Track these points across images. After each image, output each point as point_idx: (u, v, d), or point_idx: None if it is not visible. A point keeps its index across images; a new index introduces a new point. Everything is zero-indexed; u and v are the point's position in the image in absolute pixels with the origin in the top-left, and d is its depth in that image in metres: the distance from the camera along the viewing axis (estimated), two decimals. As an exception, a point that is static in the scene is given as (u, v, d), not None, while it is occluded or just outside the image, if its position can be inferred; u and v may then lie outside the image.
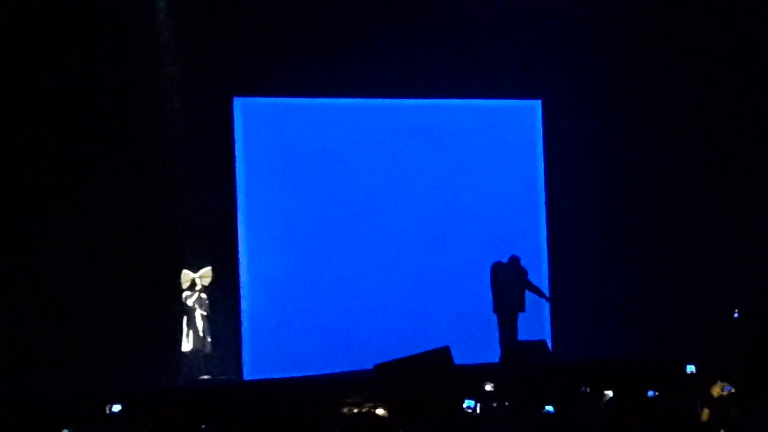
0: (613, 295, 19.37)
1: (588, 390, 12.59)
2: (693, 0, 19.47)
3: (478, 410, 11.66)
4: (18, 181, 17.23)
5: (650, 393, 12.14)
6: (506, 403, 12.14)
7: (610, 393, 12.10)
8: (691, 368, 13.12)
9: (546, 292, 19.22)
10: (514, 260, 18.14)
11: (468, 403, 11.73)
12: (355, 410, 9.55)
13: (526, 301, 18.12)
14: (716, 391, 10.93)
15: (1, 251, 17.10)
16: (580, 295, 19.57)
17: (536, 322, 18.90)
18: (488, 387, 12.82)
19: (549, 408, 11.61)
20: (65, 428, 11.36)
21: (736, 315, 17.33)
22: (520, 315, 18.08)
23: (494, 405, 11.99)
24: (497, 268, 18.08)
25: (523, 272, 18.16)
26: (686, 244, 19.59)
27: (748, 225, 19.21)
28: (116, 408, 12.60)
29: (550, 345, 18.26)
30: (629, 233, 19.78)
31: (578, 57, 19.54)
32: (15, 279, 17.11)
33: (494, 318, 18.05)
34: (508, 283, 18.01)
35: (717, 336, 17.13)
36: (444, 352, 14.13)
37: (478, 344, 16.45)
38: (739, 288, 18.42)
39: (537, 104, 20.37)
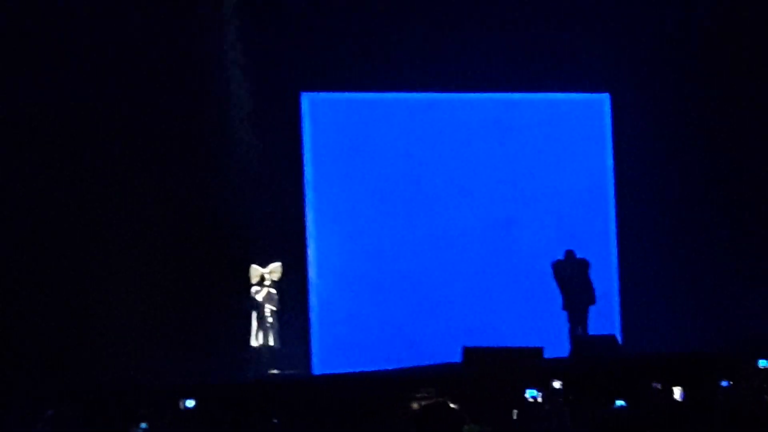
0: (684, 289, 19.22)
1: (659, 386, 12.57)
2: None
3: (540, 400, 11.69)
4: (95, 179, 17.47)
5: (723, 383, 12.16)
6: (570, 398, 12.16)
7: (679, 390, 12.09)
8: (764, 363, 13.08)
9: (616, 286, 19.20)
10: (570, 254, 18.11)
11: (531, 393, 11.77)
12: (426, 403, 9.64)
13: (596, 293, 18.09)
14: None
15: (79, 248, 17.29)
16: (650, 289, 19.43)
17: (606, 317, 18.85)
18: (556, 384, 12.81)
19: (620, 402, 11.64)
20: (141, 422, 11.54)
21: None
22: (591, 309, 18.03)
23: (560, 399, 12.04)
24: (558, 266, 18.07)
25: (584, 263, 18.11)
26: (759, 237, 19.40)
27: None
28: (189, 403, 12.79)
29: (620, 339, 18.22)
30: (700, 227, 19.62)
31: (647, 51, 19.43)
32: (90, 275, 17.36)
33: (564, 314, 18.05)
34: (571, 278, 17.98)
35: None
36: (537, 351, 14.28)
37: (547, 339, 16.35)
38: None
39: (605, 98, 20.28)
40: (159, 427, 11.78)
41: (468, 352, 14.20)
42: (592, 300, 18.04)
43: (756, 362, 13.06)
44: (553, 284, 18.10)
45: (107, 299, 17.38)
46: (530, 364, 13.88)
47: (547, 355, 15.16)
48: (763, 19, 19.22)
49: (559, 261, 18.14)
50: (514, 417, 11.85)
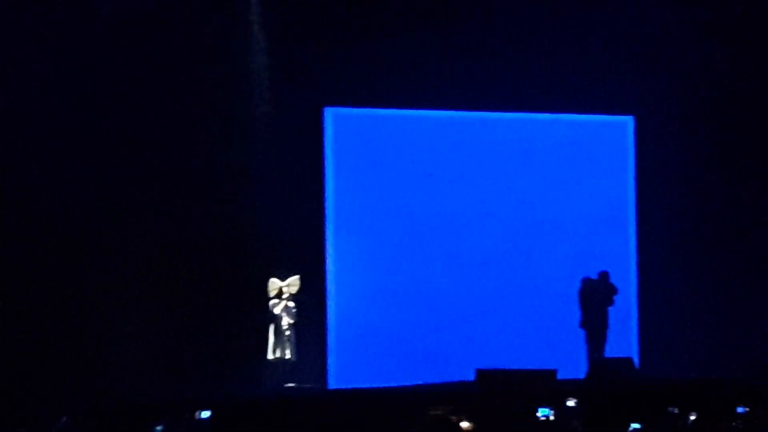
0: (703, 314, 19.24)
1: (675, 410, 12.56)
2: None
3: (552, 418, 11.70)
4: (120, 194, 17.66)
5: (740, 410, 12.15)
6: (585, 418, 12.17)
7: (693, 416, 12.08)
8: (778, 387, 13.10)
9: (635, 309, 19.23)
10: (604, 276, 18.14)
11: (543, 412, 11.78)
12: (439, 421, 9.68)
13: (610, 319, 18.08)
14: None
15: (103, 261, 17.43)
16: (669, 313, 19.46)
17: (624, 340, 18.85)
18: (570, 402, 12.83)
19: (635, 425, 11.63)
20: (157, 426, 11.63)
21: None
22: (609, 331, 18.05)
23: (574, 420, 12.04)
24: (586, 284, 18.08)
25: (612, 289, 18.14)
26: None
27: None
28: (205, 414, 12.84)
29: (637, 363, 18.22)
30: (721, 251, 19.66)
31: (671, 75, 19.49)
32: (113, 288, 17.48)
33: (582, 333, 18.06)
34: (594, 299, 18.00)
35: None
36: (550, 374, 14.29)
37: (563, 359, 16.37)
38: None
39: (629, 120, 20.29)
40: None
41: (481, 374, 14.24)
42: (605, 325, 18.05)
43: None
44: (572, 303, 18.07)
45: (127, 310, 17.48)
46: (544, 386, 13.88)
47: (563, 375, 15.15)
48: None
49: (589, 279, 18.17)
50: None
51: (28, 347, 16.69)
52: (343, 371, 18.79)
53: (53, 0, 17.40)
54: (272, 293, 17.93)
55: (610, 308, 18.15)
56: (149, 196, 17.79)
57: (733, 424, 11.63)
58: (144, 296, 17.64)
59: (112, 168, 17.66)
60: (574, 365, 17.29)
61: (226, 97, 18.39)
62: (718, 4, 19.30)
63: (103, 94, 17.58)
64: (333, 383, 18.69)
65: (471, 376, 14.83)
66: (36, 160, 17.13)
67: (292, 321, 17.87)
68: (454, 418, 7.97)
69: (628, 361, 17.66)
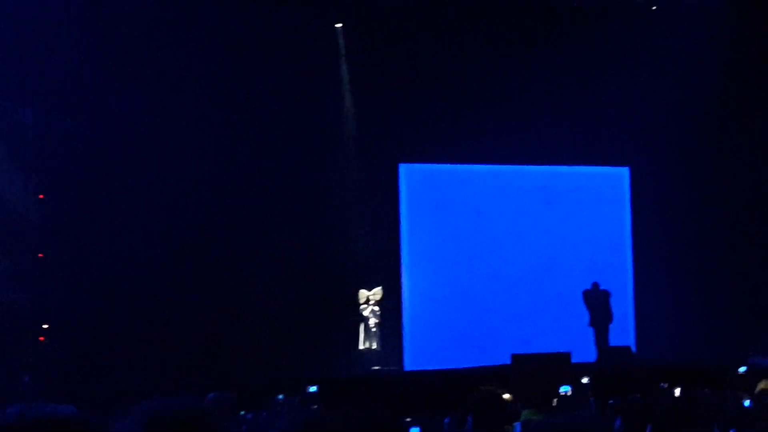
0: (685, 314, 18.81)
1: (666, 385, 12.31)
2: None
3: (570, 393, 11.49)
4: (258, 226, 17.62)
5: (711, 388, 11.83)
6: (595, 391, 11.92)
7: (678, 390, 11.79)
8: (742, 369, 12.74)
9: (631, 310, 18.95)
10: (595, 285, 17.92)
11: (564, 389, 11.57)
12: (488, 394, 9.51)
13: (614, 313, 17.79)
14: (761, 387, 10.56)
15: (242, 272, 17.44)
16: (658, 313, 19.13)
17: (624, 332, 18.57)
18: (584, 380, 12.65)
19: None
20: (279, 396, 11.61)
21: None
22: (611, 327, 17.76)
23: (588, 393, 11.82)
24: (586, 294, 17.88)
25: (606, 293, 17.86)
26: (751, 284, 18.88)
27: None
28: (312, 388, 12.79)
29: (634, 350, 17.94)
30: (700, 268, 19.22)
31: (662, 131, 19.05)
32: (248, 293, 17.54)
33: (590, 330, 17.79)
34: (596, 303, 17.77)
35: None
36: (565, 356, 14.10)
37: (577, 348, 16.11)
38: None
39: (625, 171, 20.03)
40: (292, 403, 11.78)
41: (515, 357, 14.04)
42: (610, 320, 17.80)
43: (736, 369, 12.71)
44: (583, 307, 17.84)
45: (262, 312, 17.62)
46: (562, 365, 13.66)
47: (576, 359, 14.93)
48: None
49: (587, 290, 17.95)
50: (554, 405, 11.63)
51: (179, 336, 16.60)
52: (415, 357, 18.65)
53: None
54: (362, 300, 17.94)
55: (611, 308, 17.83)
56: (281, 230, 17.78)
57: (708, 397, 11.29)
58: (271, 301, 17.68)
59: (252, 204, 17.62)
60: (587, 352, 17.06)
61: (321, 156, 18.32)
62: (704, 65, 18.61)
63: (242, 151, 17.51)
64: (408, 366, 18.57)
65: (508, 360, 14.64)
66: (187, 188, 16.82)
67: (377, 320, 17.88)
68: (498, 391, 7.82)
69: (627, 348, 17.46)
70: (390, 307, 18.32)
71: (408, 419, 9.46)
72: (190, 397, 3.18)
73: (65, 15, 15.70)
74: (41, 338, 15.73)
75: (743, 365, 13.06)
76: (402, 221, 19.22)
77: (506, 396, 9.37)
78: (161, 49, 16.58)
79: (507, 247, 19.34)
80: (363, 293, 17.94)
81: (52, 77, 15.85)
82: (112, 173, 16.48)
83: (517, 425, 7.55)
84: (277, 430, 2.99)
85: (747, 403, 9.34)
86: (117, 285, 16.29)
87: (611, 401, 9.79)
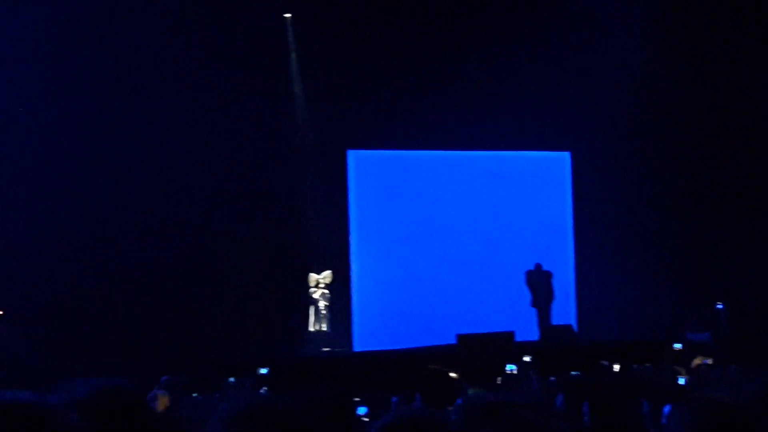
0: (623, 293, 19.19)
1: (607, 363, 12.57)
2: (713, 57, 18.59)
3: (515, 372, 11.72)
4: (227, 217, 17.78)
5: (648, 365, 12.16)
6: (538, 369, 12.18)
7: (617, 366, 12.07)
8: (677, 345, 13.11)
9: (573, 290, 19.29)
10: (538, 266, 18.19)
11: (510, 367, 11.79)
12: (435, 373, 9.74)
13: (555, 293, 18.11)
14: (696, 362, 10.95)
15: (200, 257, 17.64)
16: (597, 293, 19.50)
17: (565, 312, 18.91)
18: (526, 358, 12.85)
19: (575, 372, 11.60)
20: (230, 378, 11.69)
21: (720, 306, 17.21)
22: (553, 306, 18.06)
23: (531, 371, 12.08)
24: (529, 275, 18.15)
25: (548, 274, 18.16)
26: (687, 263, 19.34)
27: (740, 253, 18.86)
28: (263, 370, 12.90)
29: (575, 328, 18.27)
30: (641, 253, 19.52)
31: (602, 117, 19.30)
32: (204, 277, 17.67)
33: (533, 310, 18.10)
34: (539, 283, 18.05)
35: (706, 322, 16.96)
36: (509, 335, 14.31)
37: (520, 326, 16.40)
38: (724, 289, 18.17)
39: (566, 155, 20.34)
40: (243, 385, 11.90)
41: (460, 337, 14.28)
42: (552, 299, 18.13)
43: (672, 345, 13.07)
44: (526, 288, 18.15)
45: (214, 296, 17.68)
46: (506, 344, 13.90)
47: (520, 338, 15.20)
48: (706, 78, 18.74)
49: (530, 270, 18.23)
50: (498, 382, 11.90)
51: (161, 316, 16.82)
52: (364, 339, 18.87)
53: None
54: (312, 283, 18.06)
55: (553, 288, 18.15)
56: (231, 216, 17.95)
57: (645, 372, 11.62)
58: (223, 285, 17.77)
59: (202, 191, 17.74)
60: (530, 331, 17.37)
61: (272, 141, 18.44)
62: (643, 52, 18.80)
63: (192, 138, 17.51)
64: (357, 347, 18.78)
65: (454, 340, 14.89)
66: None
67: (326, 303, 17.99)
68: (445, 370, 8.04)
69: (569, 327, 17.76)
70: (339, 290, 18.48)
71: (357, 399, 9.63)
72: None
73: (40, 20, 15.96)
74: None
75: (679, 342, 13.39)
76: (351, 206, 19.39)
77: (453, 374, 9.62)
78: (111, 38, 16.67)
79: (453, 231, 19.62)
80: (313, 277, 18.05)
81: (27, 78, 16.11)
82: (69, 160, 16.74)
83: (459, 400, 7.79)
84: (220, 412, 3.08)
85: (682, 381, 9.68)
86: (69, 269, 16.41)
87: (552, 378, 10.08)
